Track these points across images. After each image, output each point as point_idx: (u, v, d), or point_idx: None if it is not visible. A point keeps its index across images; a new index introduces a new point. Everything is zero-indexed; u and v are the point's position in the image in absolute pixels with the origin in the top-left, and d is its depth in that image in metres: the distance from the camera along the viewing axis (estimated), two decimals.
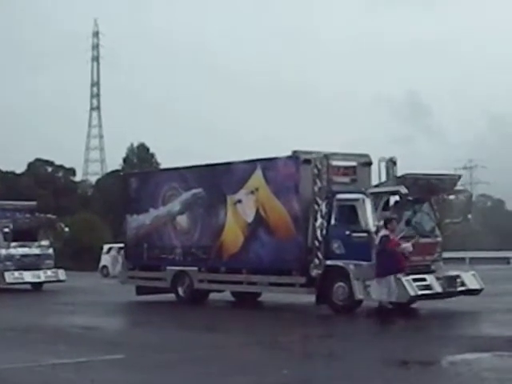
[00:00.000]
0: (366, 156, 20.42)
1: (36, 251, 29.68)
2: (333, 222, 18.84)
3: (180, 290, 22.46)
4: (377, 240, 17.49)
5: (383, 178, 19.63)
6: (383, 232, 17.39)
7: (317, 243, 18.82)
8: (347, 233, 18.53)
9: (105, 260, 41.95)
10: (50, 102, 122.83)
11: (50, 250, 30.15)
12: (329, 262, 18.71)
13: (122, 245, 40.70)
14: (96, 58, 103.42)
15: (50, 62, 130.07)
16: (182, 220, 22.40)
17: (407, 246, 17.32)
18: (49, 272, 29.45)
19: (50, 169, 74.99)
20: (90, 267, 43.90)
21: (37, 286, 29.51)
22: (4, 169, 70.55)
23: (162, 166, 71.16)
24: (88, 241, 51.33)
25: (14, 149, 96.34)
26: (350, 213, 18.57)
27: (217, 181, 21.49)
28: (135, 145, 74.63)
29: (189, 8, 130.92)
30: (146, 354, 12.73)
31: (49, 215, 31.79)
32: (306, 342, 14.59)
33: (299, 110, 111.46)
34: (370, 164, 20.26)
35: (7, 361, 12.03)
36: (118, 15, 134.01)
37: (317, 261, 18.79)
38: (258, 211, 20.31)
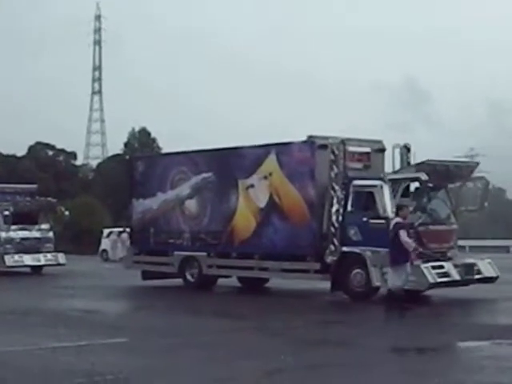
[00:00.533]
0: (380, 142, 20.20)
1: (36, 234, 29.57)
2: (349, 208, 18.61)
3: (188, 275, 22.19)
4: (390, 226, 17.22)
5: (397, 165, 19.46)
6: (396, 219, 17.10)
7: (333, 229, 18.58)
8: (364, 219, 18.31)
9: (105, 244, 42.04)
10: (51, 86, 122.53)
11: (50, 234, 30.01)
12: (345, 249, 18.50)
13: (121, 229, 41.54)
14: (98, 42, 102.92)
15: (51, 46, 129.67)
16: (191, 204, 22.08)
17: (409, 242, 16.66)
18: (49, 255, 29.31)
19: (50, 152, 74.81)
20: (90, 251, 43.91)
21: (37, 270, 29.32)
22: (5, 152, 70.48)
23: (164, 151, 71.49)
24: (88, 225, 51.23)
25: (15, 132, 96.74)
26: (367, 199, 18.36)
27: (228, 165, 21.18)
28: (137, 129, 74.53)
29: None
30: (149, 338, 12.62)
31: (49, 199, 31.58)
32: (315, 328, 14.43)
33: (299, 97, 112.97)
34: (383, 150, 20.05)
35: (7, 344, 11.88)
36: None
37: (332, 247, 18.56)
38: (271, 196, 20.04)
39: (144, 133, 74.23)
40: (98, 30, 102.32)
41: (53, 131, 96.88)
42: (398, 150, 19.54)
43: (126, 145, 73.88)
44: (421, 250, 17.49)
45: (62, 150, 74.70)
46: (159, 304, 18.79)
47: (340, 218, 18.57)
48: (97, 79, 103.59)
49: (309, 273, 19.29)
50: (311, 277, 19.37)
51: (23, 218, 29.37)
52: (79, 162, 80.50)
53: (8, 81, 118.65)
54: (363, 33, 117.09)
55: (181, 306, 18.61)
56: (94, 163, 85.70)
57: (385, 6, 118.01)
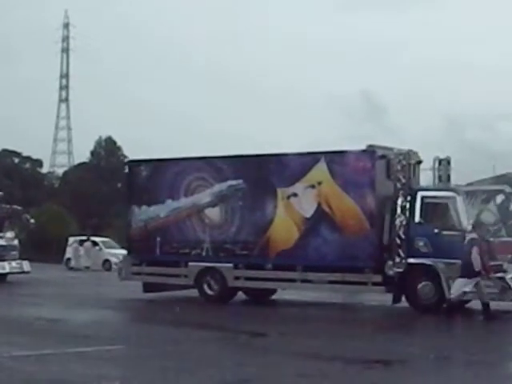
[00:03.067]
0: (416, 154, 20.25)
1: (1, 242, 28.96)
2: (417, 219, 18.43)
3: (206, 288, 20.97)
4: (465, 241, 17.32)
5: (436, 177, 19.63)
6: (472, 235, 17.21)
7: (398, 241, 18.33)
8: (436, 231, 18.19)
9: (69, 252, 42.40)
10: (18, 93, 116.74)
11: (15, 242, 29.44)
12: (412, 260, 18.28)
13: (85, 237, 42.70)
14: (66, 50, 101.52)
15: (19, 53, 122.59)
16: (213, 213, 20.92)
17: (478, 261, 16.83)
18: (13, 263, 28.77)
19: (16, 160, 75.22)
20: (56, 259, 43.83)
21: (1, 278, 28.54)
22: None
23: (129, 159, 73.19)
24: (54, 233, 50.49)
25: None
26: (439, 211, 18.30)
27: (264, 172, 20.30)
28: (103, 137, 75.06)
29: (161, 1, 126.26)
30: (114, 347, 12.36)
31: (15, 206, 31.30)
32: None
33: (256, 109, 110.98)
34: (420, 162, 20.10)
35: None
36: (89, 7, 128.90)
37: (398, 259, 18.29)
38: (319, 206, 19.43)
39: (110, 141, 74.71)
40: (66, 38, 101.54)
41: (19, 138, 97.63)
42: (437, 162, 19.72)
43: (92, 153, 74.99)
44: (493, 263, 17.66)
45: (28, 158, 75.02)
46: (126, 314, 18.59)
47: (405, 229, 18.35)
48: (64, 87, 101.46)
49: (366, 285, 18.85)
50: (370, 289, 18.93)
51: None
52: (45, 169, 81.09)
53: None
54: (318, 46, 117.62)
55: (157, 317, 17.99)
56: (60, 171, 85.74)
57: (342, 22, 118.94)
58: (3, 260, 28.24)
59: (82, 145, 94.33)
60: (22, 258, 29.10)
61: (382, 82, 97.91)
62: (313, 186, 19.56)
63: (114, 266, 41.08)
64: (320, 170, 19.47)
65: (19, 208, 31.41)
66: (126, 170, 22.68)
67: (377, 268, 18.60)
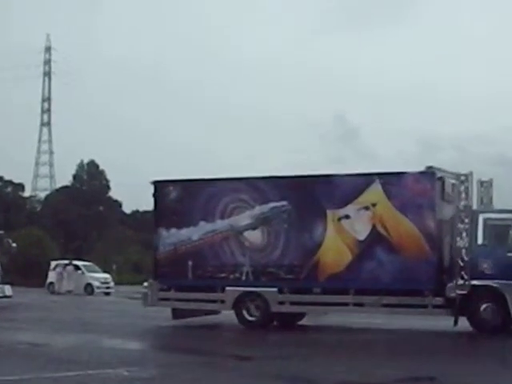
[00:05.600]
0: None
1: None
2: (480, 241, 18.54)
3: (245, 313, 20.25)
4: None
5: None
6: None
7: (461, 263, 18.34)
8: (501, 253, 18.33)
9: (51, 276, 42.51)
10: None
11: None
12: (476, 282, 18.31)
13: (67, 261, 42.79)
14: (48, 74, 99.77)
15: (0, 76, 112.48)
16: (254, 236, 20.30)
17: None
18: None
19: None
20: (38, 283, 44.00)
21: None
22: None
23: (112, 183, 76.00)
24: (35, 256, 50.50)
25: None
26: (502, 232, 18.45)
27: (311, 194, 19.90)
28: (85, 161, 76.08)
29: (142, 24, 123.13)
30: (97, 372, 12.08)
31: None
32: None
33: (230, 132, 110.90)
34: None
35: None
36: (71, 30, 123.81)
37: (461, 281, 18.28)
38: (374, 228, 19.21)
39: (92, 165, 75.69)
40: (47, 62, 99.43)
41: (1, 162, 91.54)
42: (479, 184, 19.96)
43: (74, 177, 76.37)
44: None
45: (10, 182, 75.43)
46: (109, 338, 17.85)
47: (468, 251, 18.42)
48: (46, 110, 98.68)
49: (427, 308, 18.69)
50: (431, 312, 18.74)
51: None
52: (27, 193, 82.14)
53: None
54: (292, 69, 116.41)
55: (146, 340, 17.88)
56: (42, 195, 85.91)
57: (314, 44, 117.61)
58: None
59: (64, 168, 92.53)
60: (3, 283, 28.82)
61: (355, 105, 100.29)
62: (367, 208, 19.34)
63: (96, 290, 40.77)
64: (374, 192, 19.28)
65: (1, 232, 30.88)
66: (152, 191, 21.55)
67: (437, 290, 18.50)
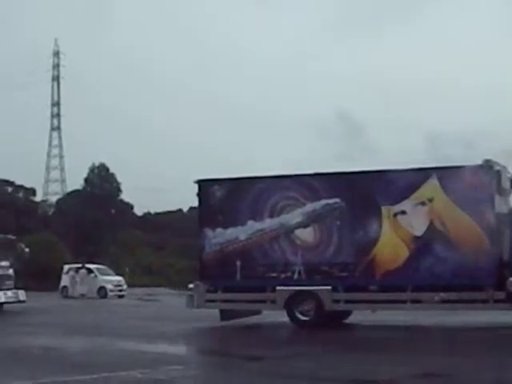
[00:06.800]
0: None
1: None
2: None
3: (297, 313, 19.78)
4: None
5: None
6: None
7: None
8: None
9: (65, 280, 42.36)
10: (9, 122, 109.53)
11: (10, 271, 28.66)
12: None
13: (80, 265, 42.56)
14: (57, 78, 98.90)
15: (9, 81, 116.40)
16: (306, 234, 19.84)
17: None
18: (9, 293, 28.25)
19: (10, 189, 75.76)
20: (51, 287, 43.87)
21: None
22: None
23: (123, 186, 75.67)
24: (48, 261, 49.90)
25: None
26: None
27: (365, 190, 19.44)
28: (96, 165, 76.23)
29: (152, 26, 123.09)
30: (112, 375, 11.99)
31: (9, 236, 30.60)
32: None
33: (233, 130, 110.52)
34: None
35: None
36: (79, 35, 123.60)
37: None
38: (432, 223, 18.75)
39: (103, 168, 75.98)
40: (56, 66, 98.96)
41: (12, 167, 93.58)
42: None
43: (85, 180, 76.53)
44: None
45: (21, 187, 75.74)
46: (123, 339, 17.73)
47: None
48: (56, 115, 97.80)
49: (487, 303, 18.24)
50: (492, 307, 18.30)
51: None
52: (38, 198, 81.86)
53: None
54: (293, 71, 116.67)
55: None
56: (53, 199, 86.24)
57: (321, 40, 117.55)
58: None
59: (75, 172, 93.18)
60: (17, 288, 28.66)
61: (359, 102, 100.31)
62: (423, 203, 18.89)
63: (109, 293, 40.33)
64: (431, 187, 18.83)
65: (13, 237, 30.57)
66: (197, 190, 21.06)
67: (497, 285, 18.06)
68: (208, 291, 20.66)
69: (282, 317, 20.26)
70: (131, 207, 78.35)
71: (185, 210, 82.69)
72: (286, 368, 12.61)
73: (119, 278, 43.93)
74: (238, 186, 20.78)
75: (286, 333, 19.85)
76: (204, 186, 21.05)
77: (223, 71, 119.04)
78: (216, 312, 20.79)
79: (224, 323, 20.58)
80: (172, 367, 12.57)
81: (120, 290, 42.51)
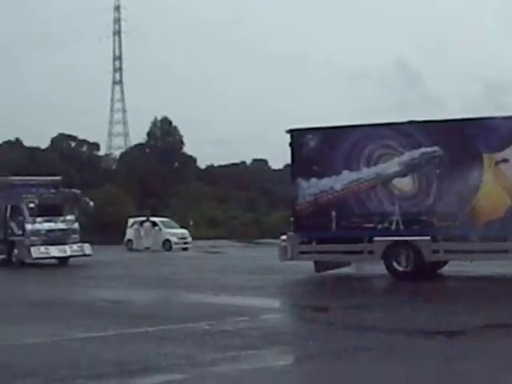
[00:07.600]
0: None
1: (61, 226, 29.05)
2: None
3: (395, 264, 19.50)
4: None
5: None
6: None
7: None
8: None
9: (129, 234, 42.43)
10: (72, 77, 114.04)
11: (76, 225, 29.49)
12: None
13: (144, 218, 42.60)
14: (118, 32, 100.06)
15: (72, 37, 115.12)
16: (404, 183, 19.48)
17: None
18: (74, 246, 28.94)
19: (73, 143, 76.24)
20: (116, 241, 43.96)
21: (63, 261, 29.03)
22: (28, 144, 70.97)
23: (186, 139, 76.52)
24: (113, 214, 50.97)
25: (37, 124, 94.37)
26: None
27: (465, 138, 18.94)
28: (158, 118, 75.92)
29: None
30: (176, 327, 12.10)
31: (74, 190, 31.09)
32: None
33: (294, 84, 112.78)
34: None
35: (34, 335, 11.37)
36: None
37: None
38: None
39: (166, 121, 75.60)
40: (117, 20, 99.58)
41: (75, 122, 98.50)
42: None
43: (148, 134, 76.23)
44: None
45: (85, 141, 75.96)
46: (190, 292, 17.84)
47: None
48: (117, 69, 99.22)
49: None
50: None
51: (48, 210, 28.81)
52: (102, 152, 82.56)
53: (29, 73, 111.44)
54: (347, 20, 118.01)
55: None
56: (116, 153, 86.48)
57: None
58: (64, 243, 28.53)
59: (138, 126, 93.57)
60: (82, 241, 29.29)
61: (417, 50, 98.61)
62: None
63: (174, 246, 40.43)
64: None
65: (78, 192, 31.03)
66: (289, 140, 20.77)
67: None
68: (302, 243, 20.49)
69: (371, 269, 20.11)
70: (194, 160, 78.32)
71: (248, 162, 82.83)
72: (355, 319, 12.68)
73: (184, 230, 43.87)
74: (332, 135, 20.46)
75: (377, 283, 19.76)
76: (297, 135, 20.74)
77: (289, 24, 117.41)
78: (282, 264, 20.92)
79: (298, 276, 20.62)
80: (239, 318, 12.65)
81: (185, 243, 42.40)
